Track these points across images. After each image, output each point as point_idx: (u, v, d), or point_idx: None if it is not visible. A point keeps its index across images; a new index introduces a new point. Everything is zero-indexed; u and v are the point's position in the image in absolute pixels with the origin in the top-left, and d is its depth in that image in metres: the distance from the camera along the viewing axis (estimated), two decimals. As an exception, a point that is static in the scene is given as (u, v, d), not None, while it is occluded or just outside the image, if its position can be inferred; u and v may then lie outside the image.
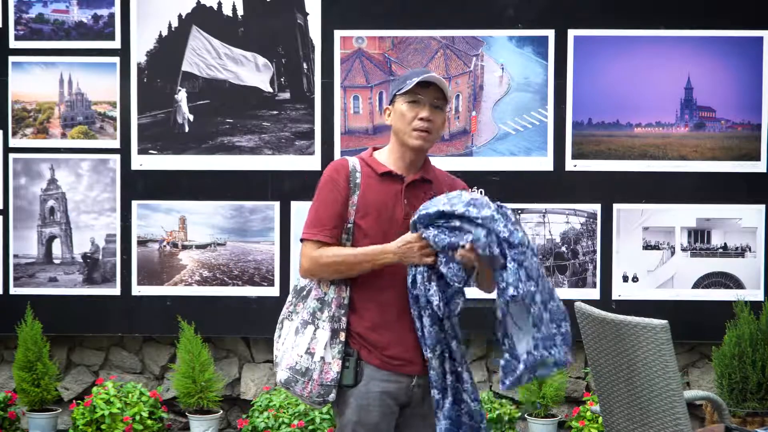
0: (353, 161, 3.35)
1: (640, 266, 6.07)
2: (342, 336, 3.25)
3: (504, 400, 5.99)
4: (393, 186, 3.31)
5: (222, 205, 6.16)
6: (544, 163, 6.07)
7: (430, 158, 3.44)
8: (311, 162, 6.06)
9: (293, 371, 3.26)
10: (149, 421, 5.89)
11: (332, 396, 3.24)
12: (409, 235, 3.21)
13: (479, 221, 3.09)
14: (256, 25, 6.16)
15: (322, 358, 3.23)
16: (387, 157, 3.36)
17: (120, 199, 6.17)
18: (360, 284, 3.27)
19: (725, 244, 6.06)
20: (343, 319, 3.26)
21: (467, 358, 3.32)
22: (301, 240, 3.33)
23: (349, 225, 3.28)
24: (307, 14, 6.12)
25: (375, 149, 3.42)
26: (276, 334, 3.37)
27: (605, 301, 5.98)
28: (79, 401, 6.07)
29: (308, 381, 3.24)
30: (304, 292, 3.34)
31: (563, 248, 6.08)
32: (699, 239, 6.06)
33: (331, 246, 3.27)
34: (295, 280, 3.43)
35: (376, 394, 3.25)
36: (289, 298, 3.40)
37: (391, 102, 3.36)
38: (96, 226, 6.20)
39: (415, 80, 3.27)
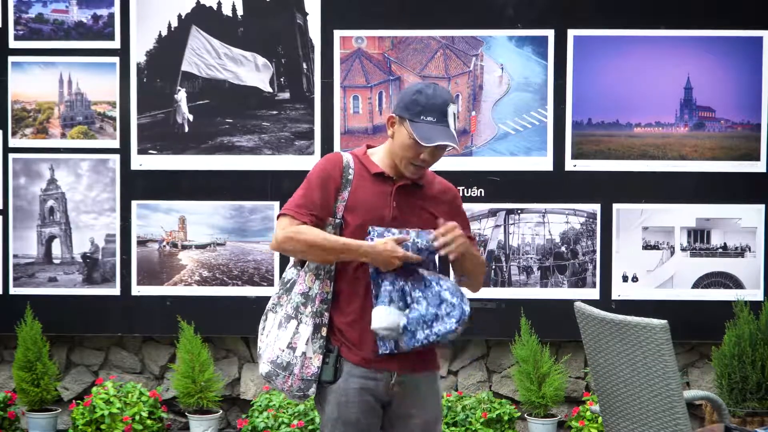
0: (347, 157, 3.34)
1: (639, 266, 6.06)
2: (323, 331, 3.24)
3: (504, 400, 5.99)
4: (384, 187, 3.29)
5: (222, 205, 6.16)
6: (544, 163, 6.07)
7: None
8: (311, 162, 6.04)
9: (274, 365, 3.26)
10: (149, 421, 5.89)
11: (312, 390, 3.24)
12: (389, 240, 3.20)
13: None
14: (256, 25, 6.15)
15: (304, 353, 3.23)
16: (381, 158, 3.33)
17: (120, 199, 6.17)
18: (344, 279, 3.26)
19: (725, 244, 6.05)
20: (326, 314, 3.25)
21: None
22: (281, 215, 3.28)
23: (338, 220, 3.27)
24: (307, 14, 6.11)
25: (369, 147, 3.40)
26: (260, 326, 3.36)
27: (605, 301, 5.98)
28: (78, 401, 6.06)
29: (289, 375, 3.24)
30: (289, 284, 3.32)
31: (563, 248, 6.08)
32: (699, 239, 6.06)
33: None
34: (284, 271, 3.42)
35: (355, 391, 3.23)
36: (276, 288, 3.39)
37: (399, 114, 3.25)
38: (96, 226, 6.20)
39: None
